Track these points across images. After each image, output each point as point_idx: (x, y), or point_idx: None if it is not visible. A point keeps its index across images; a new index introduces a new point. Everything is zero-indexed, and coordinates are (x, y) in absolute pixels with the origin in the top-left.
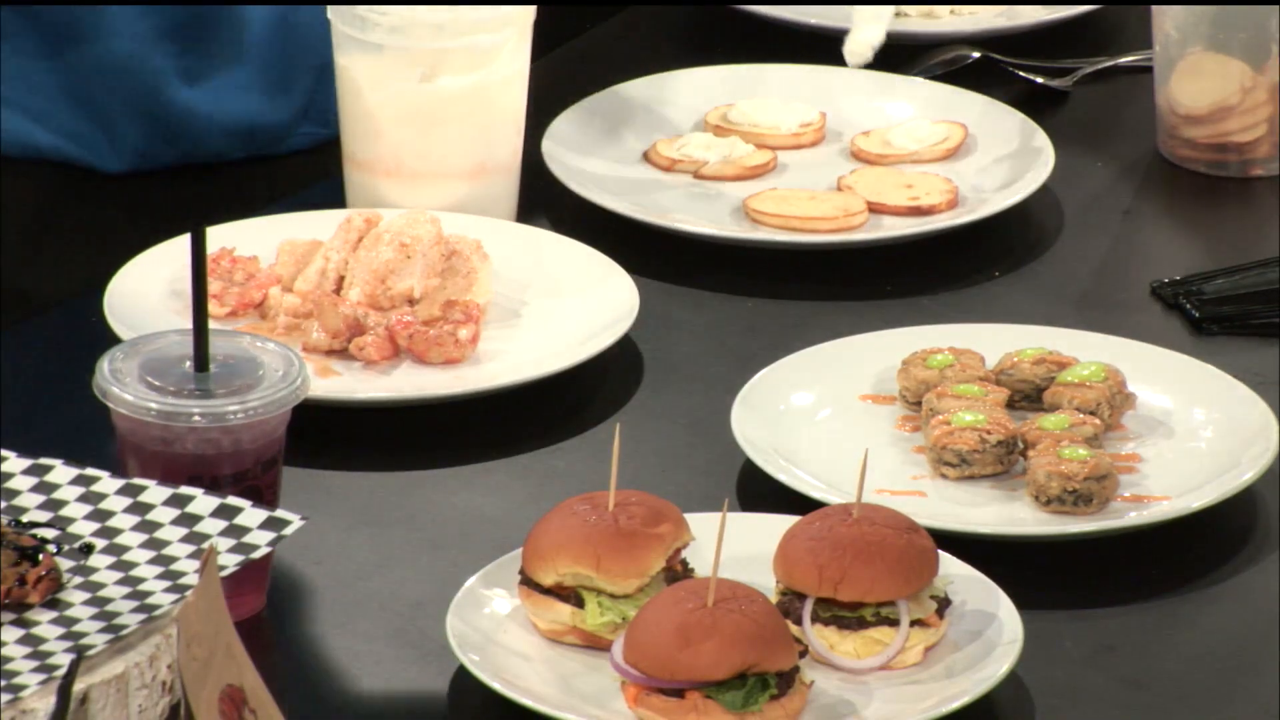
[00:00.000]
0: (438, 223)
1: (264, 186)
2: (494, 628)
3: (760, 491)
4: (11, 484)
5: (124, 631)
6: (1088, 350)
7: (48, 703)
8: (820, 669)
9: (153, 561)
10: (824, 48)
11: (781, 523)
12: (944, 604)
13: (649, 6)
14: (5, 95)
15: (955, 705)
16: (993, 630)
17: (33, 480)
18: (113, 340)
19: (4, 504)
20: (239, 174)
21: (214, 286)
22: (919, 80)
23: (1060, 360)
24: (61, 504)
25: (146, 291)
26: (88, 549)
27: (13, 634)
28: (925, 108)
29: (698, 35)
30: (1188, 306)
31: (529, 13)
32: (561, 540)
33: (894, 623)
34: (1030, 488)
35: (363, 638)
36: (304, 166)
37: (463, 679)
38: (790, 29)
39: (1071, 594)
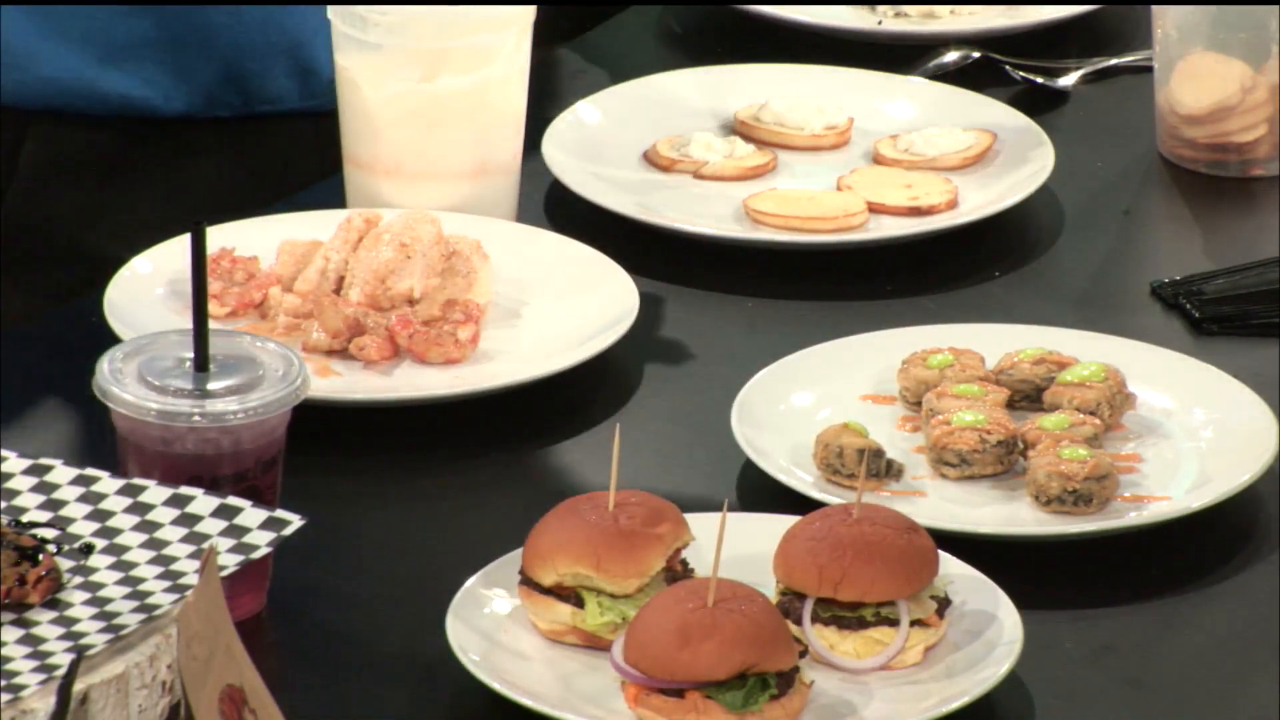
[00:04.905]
0: (438, 223)
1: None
2: (494, 628)
3: (760, 491)
4: (11, 484)
5: (124, 631)
6: (1088, 350)
7: (48, 703)
8: (820, 669)
9: (153, 561)
10: (825, 47)
11: (781, 523)
12: (944, 604)
13: (649, 6)
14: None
15: (955, 705)
16: (993, 630)
17: (33, 480)
18: (113, 340)
19: (4, 504)
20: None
21: (214, 286)
22: (919, 80)
23: (1060, 360)
24: (61, 504)
25: (146, 291)
26: (88, 549)
27: (13, 634)
28: (925, 109)
29: (698, 35)
30: (1188, 306)
31: (529, 13)
32: (561, 540)
33: (894, 623)
34: (1030, 488)
35: (362, 637)
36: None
37: (463, 679)
38: (791, 29)
39: (1071, 594)
